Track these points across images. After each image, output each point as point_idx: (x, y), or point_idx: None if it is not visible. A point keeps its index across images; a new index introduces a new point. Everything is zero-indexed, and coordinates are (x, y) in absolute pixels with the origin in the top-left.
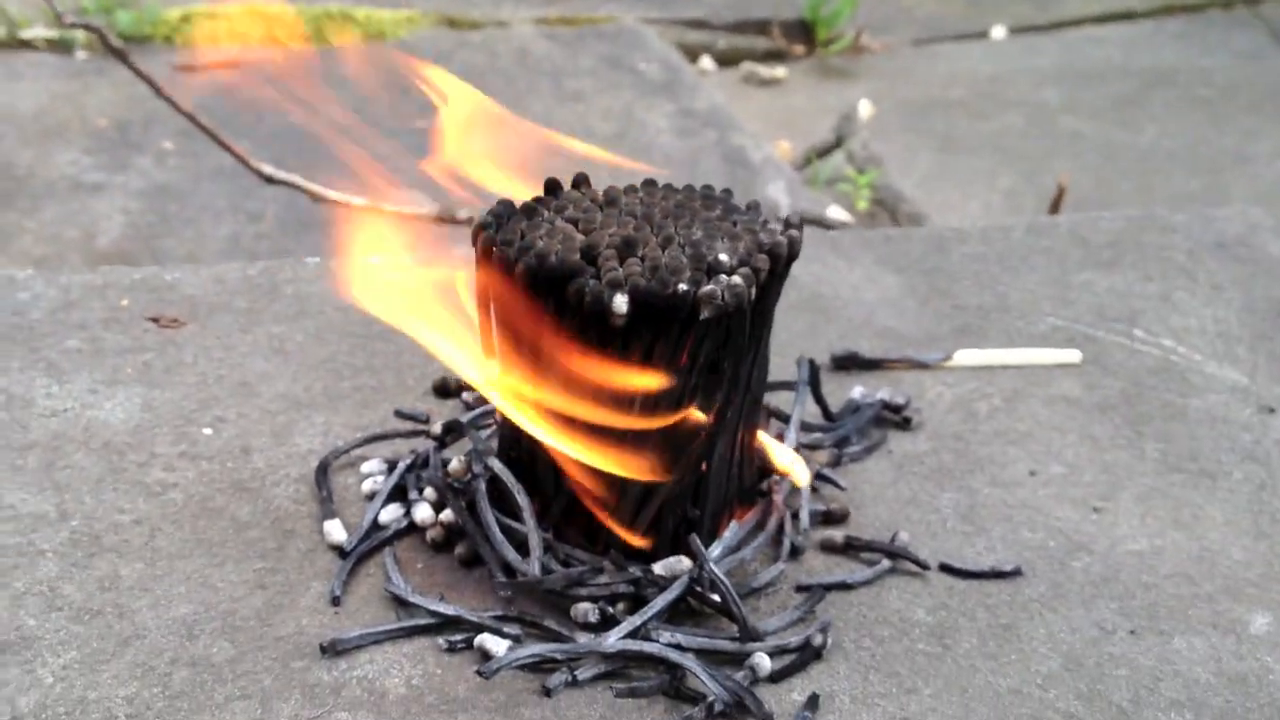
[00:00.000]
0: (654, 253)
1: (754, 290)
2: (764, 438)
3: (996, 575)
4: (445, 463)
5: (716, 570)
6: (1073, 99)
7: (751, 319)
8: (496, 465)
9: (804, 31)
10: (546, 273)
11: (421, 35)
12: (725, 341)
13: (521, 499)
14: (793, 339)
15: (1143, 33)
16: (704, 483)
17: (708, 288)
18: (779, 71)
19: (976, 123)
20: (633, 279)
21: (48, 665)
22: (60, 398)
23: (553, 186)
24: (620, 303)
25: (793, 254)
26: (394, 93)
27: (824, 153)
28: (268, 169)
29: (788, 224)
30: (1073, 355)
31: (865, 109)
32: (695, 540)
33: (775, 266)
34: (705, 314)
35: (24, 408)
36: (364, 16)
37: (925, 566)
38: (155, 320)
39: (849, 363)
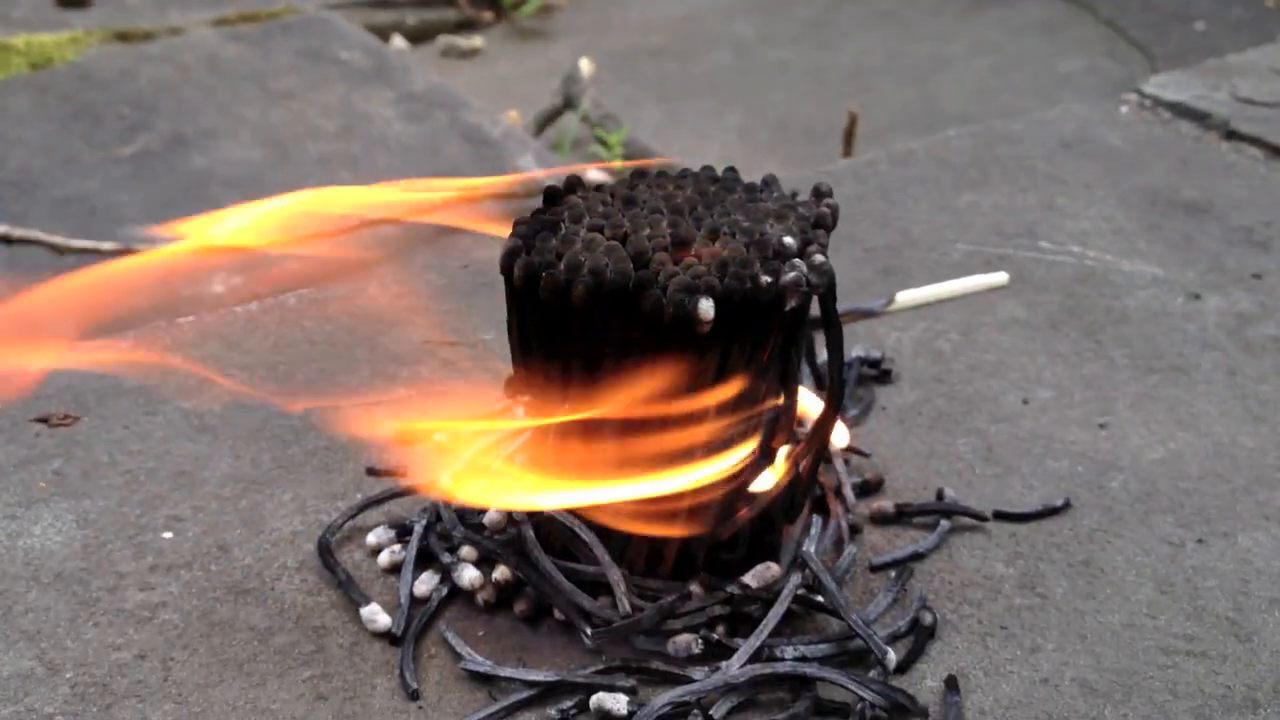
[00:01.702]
0: (709, 248)
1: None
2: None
3: (1051, 512)
4: (464, 516)
5: (821, 569)
6: (767, 29)
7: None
8: (557, 511)
9: None
10: (610, 290)
11: (93, 55)
12: (796, 329)
13: (587, 535)
14: None
15: None
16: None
17: (790, 275)
18: (476, 41)
19: (687, 65)
20: (705, 280)
21: None
22: None
23: (553, 195)
24: (707, 307)
25: (835, 223)
26: (87, 122)
27: (553, 116)
28: (2, 228)
29: (818, 192)
30: (1000, 278)
31: (586, 67)
32: (796, 545)
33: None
34: (792, 303)
35: None
36: (24, 44)
37: (983, 518)
38: (44, 420)
39: None
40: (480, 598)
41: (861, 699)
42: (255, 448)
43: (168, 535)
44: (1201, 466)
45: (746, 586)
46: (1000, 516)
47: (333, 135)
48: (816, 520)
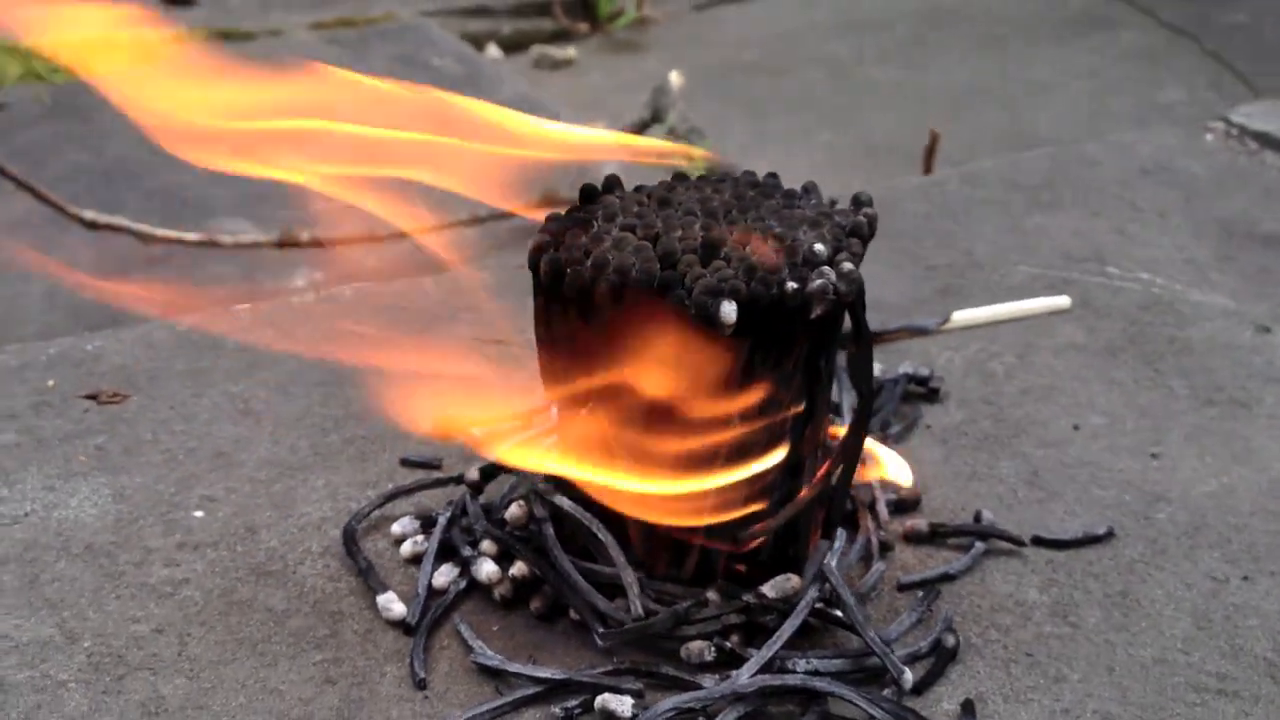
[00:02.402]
0: (739, 252)
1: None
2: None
3: (1092, 540)
4: (489, 510)
5: (841, 583)
6: (863, 49)
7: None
8: (566, 504)
9: (585, 9)
10: (634, 288)
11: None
12: (826, 339)
13: (604, 535)
14: None
15: None
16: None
17: (817, 283)
18: (569, 52)
19: (778, 81)
20: (730, 283)
21: None
22: (15, 501)
23: (589, 193)
24: (729, 310)
25: (872, 233)
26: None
27: (640, 129)
28: (89, 214)
29: (858, 201)
30: (1062, 301)
31: (675, 80)
32: (825, 554)
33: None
34: (818, 310)
35: None
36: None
37: (1020, 543)
38: (93, 397)
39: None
40: (497, 593)
41: (872, 717)
42: (295, 434)
43: (199, 514)
44: (1254, 502)
45: (763, 596)
46: (1039, 542)
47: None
48: (842, 534)
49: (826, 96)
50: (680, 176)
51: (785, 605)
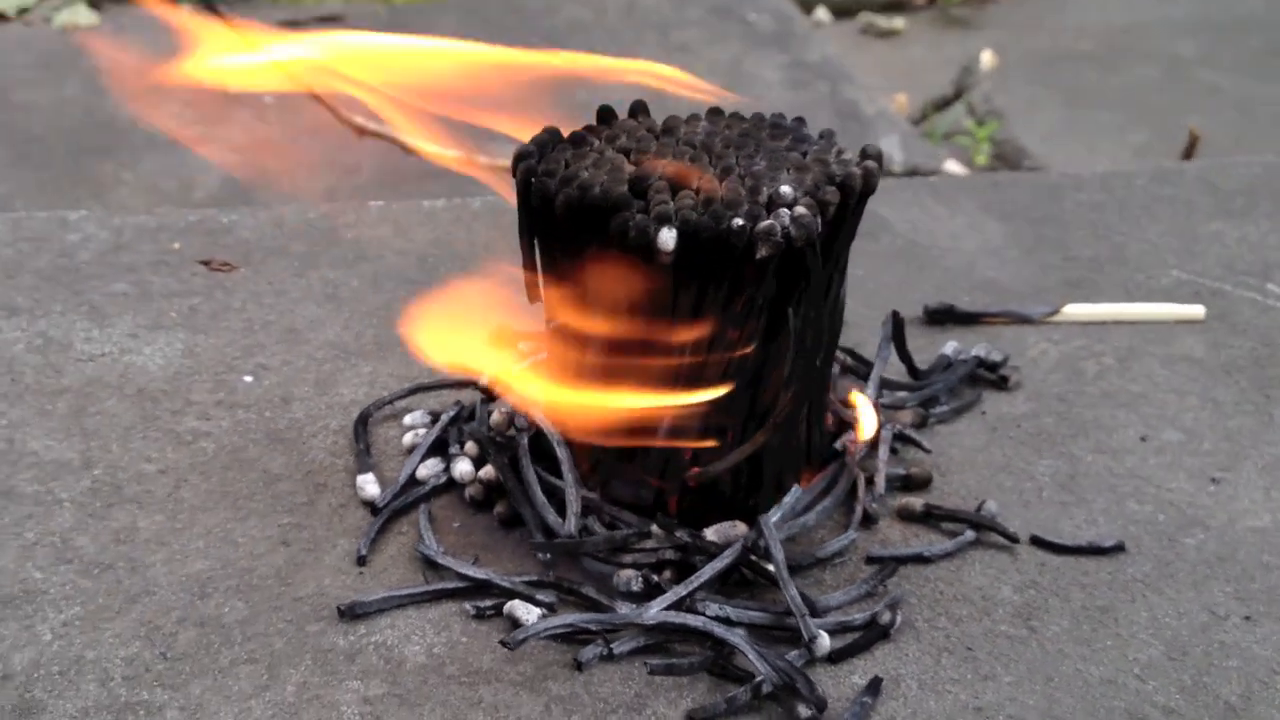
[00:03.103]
0: (710, 184)
1: (819, 225)
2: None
3: (1096, 551)
4: (490, 416)
5: (774, 536)
6: (1210, 51)
7: (822, 260)
8: (539, 416)
9: None
10: (589, 205)
11: None
12: (791, 285)
13: (561, 452)
14: (882, 290)
15: None
16: (765, 442)
17: (766, 223)
18: (898, 22)
19: (1107, 75)
20: (683, 213)
21: (48, 621)
22: (99, 342)
23: (606, 114)
24: (667, 238)
25: (868, 187)
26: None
27: (942, 105)
28: (359, 120)
29: (864, 154)
30: (1196, 310)
31: (987, 59)
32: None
33: (847, 200)
34: (763, 252)
35: (60, 351)
36: None
37: (1014, 539)
38: (206, 263)
39: (944, 317)
40: (468, 493)
41: (759, 671)
42: (365, 323)
43: (248, 379)
44: None
45: (700, 537)
46: (1037, 543)
47: None
48: (797, 490)
49: (1153, 96)
50: (715, 111)
51: (721, 549)
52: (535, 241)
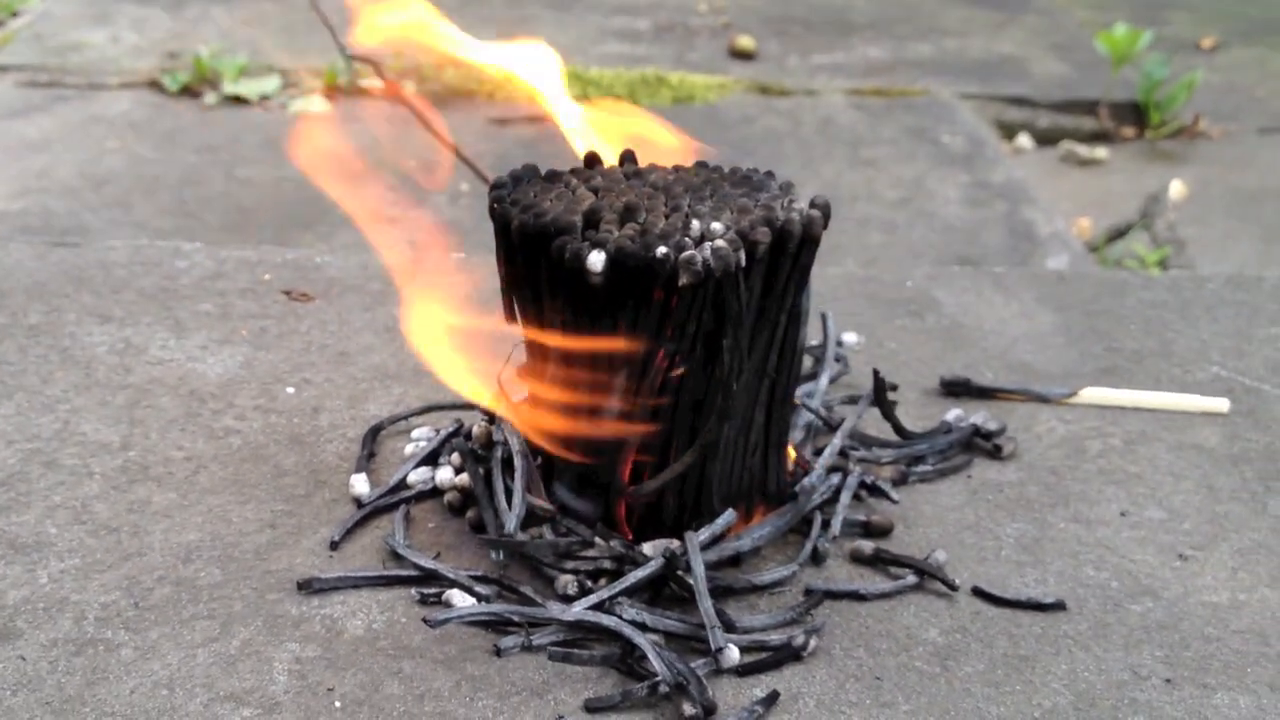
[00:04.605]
0: (655, 220)
1: (740, 259)
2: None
3: (1034, 606)
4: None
5: (695, 551)
6: None
7: (763, 299)
8: (508, 430)
9: (1135, 114)
10: (537, 230)
11: (730, 100)
12: (721, 316)
13: (519, 461)
14: (912, 363)
15: None
16: (707, 469)
17: (688, 253)
18: (1100, 152)
19: None
20: (618, 240)
21: (48, 568)
22: (172, 350)
23: (592, 160)
24: (596, 260)
25: (809, 235)
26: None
27: (1124, 231)
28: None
29: (812, 204)
30: (1220, 404)
31: (1176, 189)
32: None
33: (785, 244)
34: (684, 279)
35: (135, 355)
36: (677, 80)
37: (954, 587)
38: (287, 293)
39: (959, 389)
40: (447, 498)
41: (658, 671)
42: (409, 354)
43: (290, 390)
44: (1251, 623)
45: (633, 548)
46: (978, 593)
47: (886, 203)
48: (731, 515)
49: None
50: (702, 165)
51: (648, 560)
52: (505, 264)
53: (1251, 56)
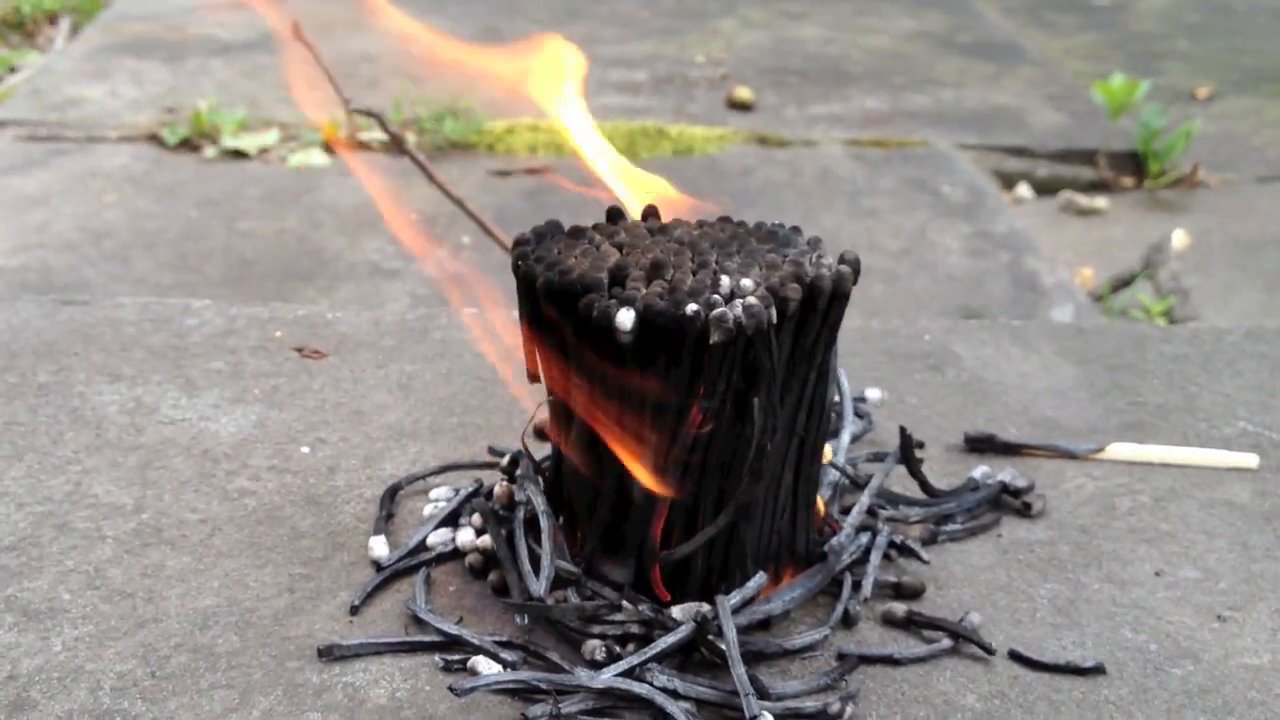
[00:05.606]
0: (683, 277)
1: (772, 316)
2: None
3: (1073, 671)
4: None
5: (726, 615)
6: None
7: (792, 356)
8: (531, 490)
9: (1134, 164)
10: (563, 288)
11: (729, 151)
12: (751, 374)
13: (545, 522)
14: (934, 418)
15: None
16: (737, 530)
17: (719, 310)
18: (1100, 202)
19: None
20: (647, 299)
21: (62, 636)
22: (183, 409)
23: (615, 215)
24: (625, 318)
25: (839, 290)
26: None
27: (1127, 281)
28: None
29: (842, 259)
30: (1248, 459)
31: (1179, 239)
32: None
33: (815, 300)
34: (716, 337)
35: (147, 415)
36: (677, 132)
37: (990, 651)
38: (299, 350)
39: (984, 445)
40: (468, 560)
41: None
42: (426, 411)
43: (305, 450)
44: None
45: (662, 612)
46: (1015, 658)
47: (888, 254)
48: (763, 576)
49: None
50: (726, 219)
51: (678, 625)
52: (529, 322)
53: (1247, 106)
